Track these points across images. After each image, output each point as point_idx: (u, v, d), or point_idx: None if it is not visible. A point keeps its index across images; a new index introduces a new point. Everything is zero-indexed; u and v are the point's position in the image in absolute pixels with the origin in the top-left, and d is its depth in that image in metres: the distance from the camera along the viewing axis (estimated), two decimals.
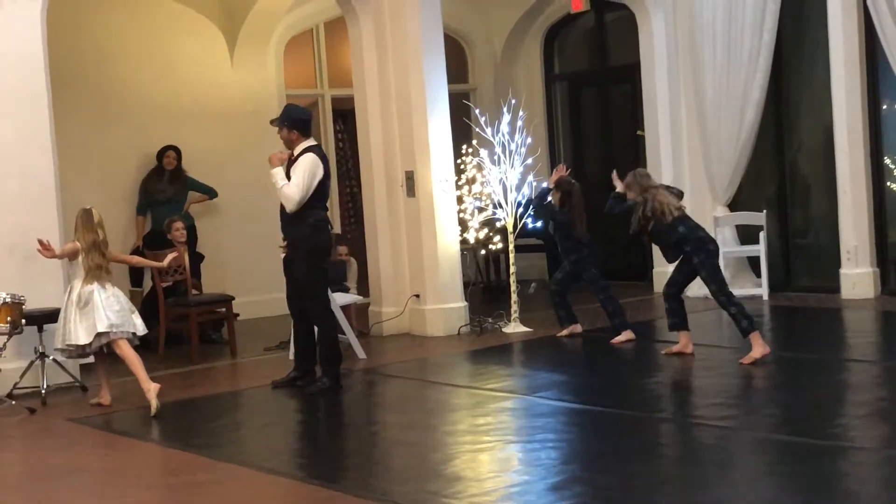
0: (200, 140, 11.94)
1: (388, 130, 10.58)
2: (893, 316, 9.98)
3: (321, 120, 13.65)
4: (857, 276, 10.92)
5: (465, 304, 10.53)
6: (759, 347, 8.01)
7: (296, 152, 8.09)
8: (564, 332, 9.86)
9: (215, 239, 12.02)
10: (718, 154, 11.79)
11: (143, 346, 9.75)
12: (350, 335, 9.43)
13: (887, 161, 11.04)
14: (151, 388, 7.60)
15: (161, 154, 11.52)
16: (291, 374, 8.36)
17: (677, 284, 8.63)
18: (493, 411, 7.23)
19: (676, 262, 8.55)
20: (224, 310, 10.14)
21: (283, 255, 8.33)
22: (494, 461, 6.00)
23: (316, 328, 8.25)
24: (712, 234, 11.34)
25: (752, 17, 11.33)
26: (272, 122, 8.30)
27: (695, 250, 8.30)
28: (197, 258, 11.15)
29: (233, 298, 10.17)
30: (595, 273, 9.69)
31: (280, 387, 8.27)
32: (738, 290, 11.31)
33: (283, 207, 8.10)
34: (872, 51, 10.82)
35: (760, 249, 11.33)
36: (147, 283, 10.97)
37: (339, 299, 9.47)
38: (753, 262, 11.66)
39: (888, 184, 11.03)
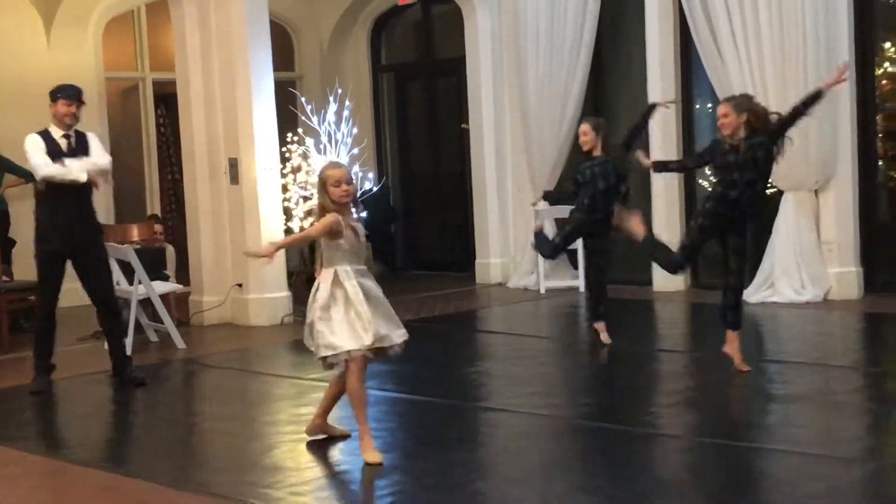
0: (13, 122, 11.42)
1: (211, 116, 10.40)
2: (701, 308, 10.37)
3: (142, 104, 13.33)
4: None
5: (289, 293, 10.46)
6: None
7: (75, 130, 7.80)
8: None
9: (29, 224, 11.54)
10: (540, 148, 12.04)
11: None
12: (169, 325, 9.25)
13: None
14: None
15: None
16: (43, 378, 7.85)
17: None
18: (315, 401, 7.16)
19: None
20: (36, 297, 9.82)
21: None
22: (315, 451, 5.99)
23: (112, 317, 8.03)
24: (532, 226, 11.63)
25: (574, 16, 11.61)
26: (81, 100, 7.81)
27: None
28: (8, 244, 10.76)
29: None
30: None
31: (37, 393, 7.67)
32: (555, 283, 11.64)
33: (73, 189, 7.73)
34: (687, 52, 11.22)
35: (578, 242, 11.57)
36: None
37: (157, 287, 9.28)
38: (571, 255, 11.94)
39: (699, 181, 11.47)
